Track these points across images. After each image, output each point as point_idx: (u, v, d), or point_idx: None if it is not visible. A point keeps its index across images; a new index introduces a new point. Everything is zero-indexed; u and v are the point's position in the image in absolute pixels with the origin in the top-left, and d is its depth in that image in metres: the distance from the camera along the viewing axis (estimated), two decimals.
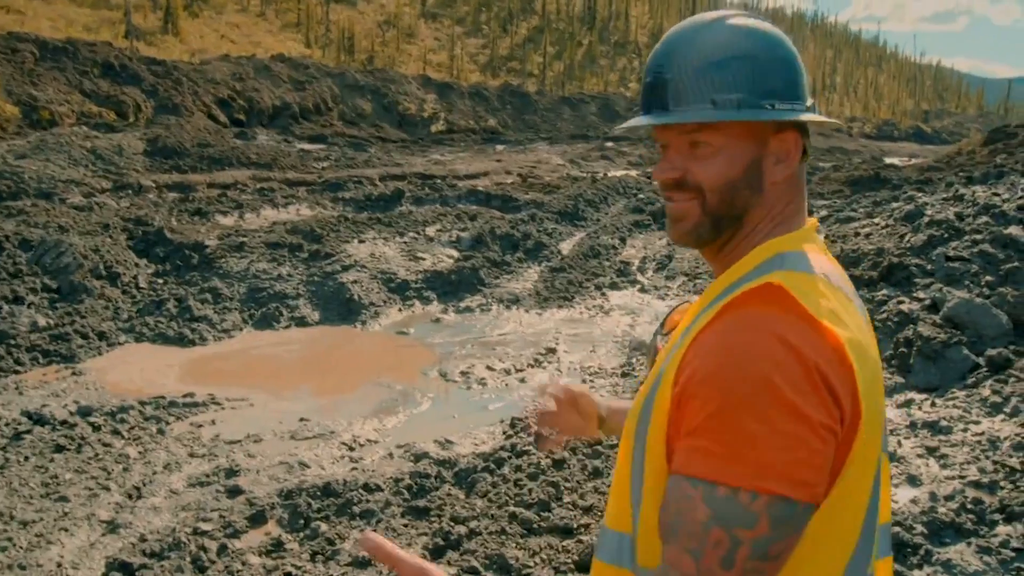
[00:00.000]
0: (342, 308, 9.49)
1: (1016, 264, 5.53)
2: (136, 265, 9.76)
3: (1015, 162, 11.40)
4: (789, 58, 1.18)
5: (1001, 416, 4.28)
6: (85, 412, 6.22)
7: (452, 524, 4.35)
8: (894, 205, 8.20)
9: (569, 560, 3.95)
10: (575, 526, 4.27)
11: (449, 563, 3.97)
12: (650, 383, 1.15)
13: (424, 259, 11.25)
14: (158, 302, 8.97)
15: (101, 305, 8.65)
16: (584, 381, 7.35)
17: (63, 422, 5.98)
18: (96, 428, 5.95)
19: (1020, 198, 6.21)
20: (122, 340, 8.18)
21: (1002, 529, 3.33)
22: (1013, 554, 3.20)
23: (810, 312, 1.01)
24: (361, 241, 11.37)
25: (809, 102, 1.19)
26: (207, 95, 23.39)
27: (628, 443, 1.16)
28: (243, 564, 4.04)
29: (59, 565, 4.18)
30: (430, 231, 12.42)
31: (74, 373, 7.22)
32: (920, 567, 3.19)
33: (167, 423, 6.17)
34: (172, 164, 16.44)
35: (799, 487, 0.96)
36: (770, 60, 1.16)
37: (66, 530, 4.48)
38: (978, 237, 5.91)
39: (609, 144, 29.11)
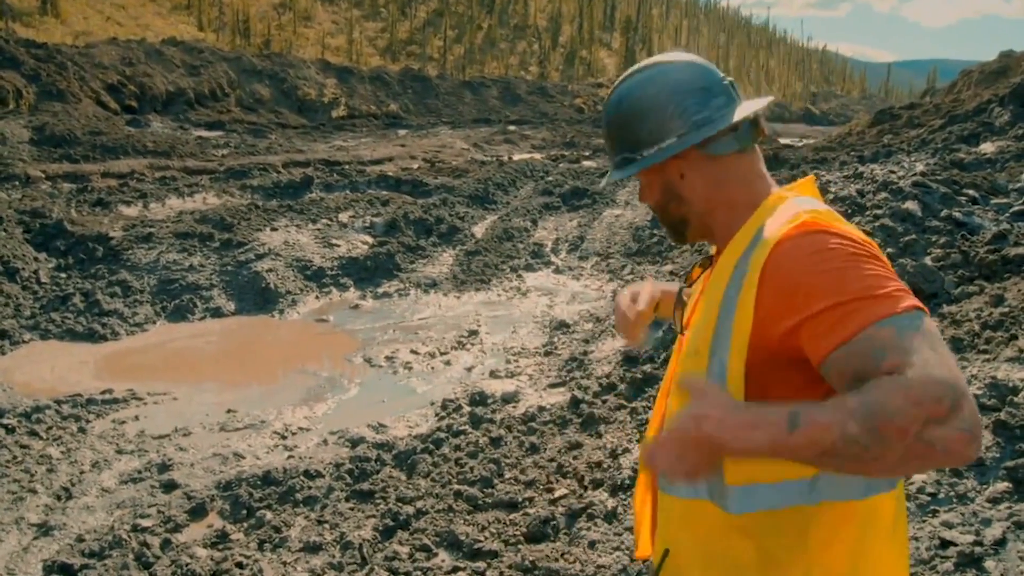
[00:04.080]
0: (258, 297, 9.32)
1: (914, 236, 5.95)
2: (36, 259, 9.30)
3: (900, 141, 12.13)
4: (646, 108, 1.48)
5: None
6: None
7: (399, 505, 4.41)
8: None
9: (518, 532, 4.07)
10: (520, 500, 4.39)
11: (400, 543, 4.03)
12: (711, 316, 1.37)
13: (339, 245, 11.13)
14: (63, 297, 8.60)
15: (0, 302, 8.23)
16: (508, 362, 7.48)
17: None
18: (10, 430, 5.70)
19: (914, 175, 6.67)
20: (27, 338, 7.82)
21: (917, 477, 3.63)
22: (928, 498, 3.50)
23: (844, 227, 1.31)
24: (274, 229, 11.16)
25: (698, 116, 1.46)
26: (95, 80, 22.29)
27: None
28: (190, 557, 3.99)
29: None
30: (343, 217, 12.28)
31: None
32: None
33: (87, 421, 5.97)
34: (62, 153, 15.62)
35: (919, 303, 1.19)
36: (626, 121, 1.51)
37: None
38: (879, 212, 6.31)
39: (511, 127, 29.28)
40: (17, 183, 13.44)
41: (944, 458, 1.08)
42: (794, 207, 1.37)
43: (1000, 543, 3.09)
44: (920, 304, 1.18)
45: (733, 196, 1.47)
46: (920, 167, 8.09)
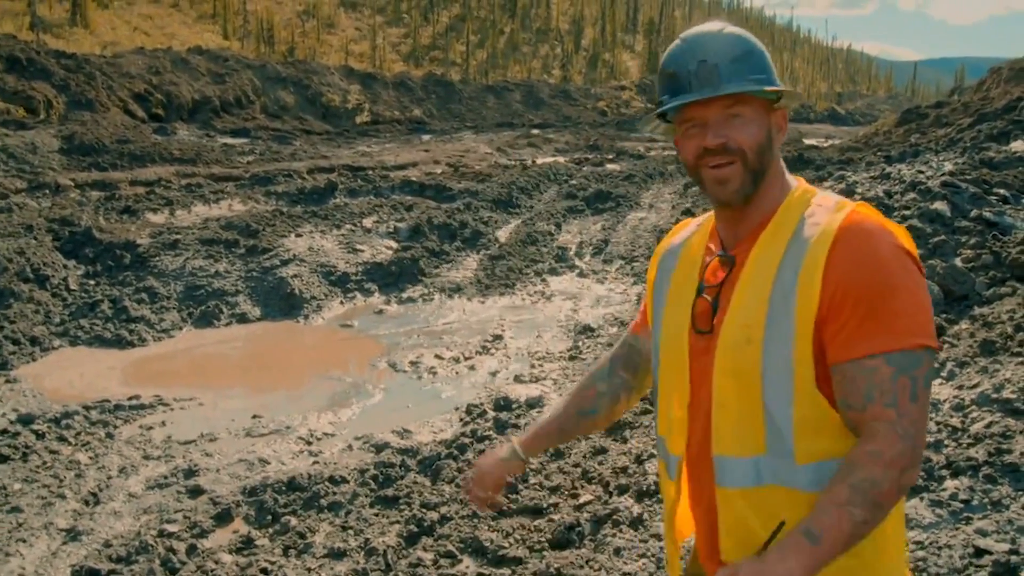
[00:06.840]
0: (283, 303, 9.38)
1: (943, 238, 5.86)
2: (65, 267, 9.42)
3: (928, 141, 11.96)
4: (762, 51, 1.54)
5: (939, 380, 4.54)
6: (26, 420, 6.03)
7: (423, 511, 4.40)
8: (826, 184, 8.52)
9: (542, 538, 4.04)
10: (544, 505, 4.36)
11: (425, 549, 4.02)
12: (762, 305, 1.42)
13: (363, 251, 11.17)
14: (91, 304, 8.70)
15: (31, 309, 8.34)
16: (532, 366, 7.45)
17: (3, 431, 5.78)
18: (40, 436, 5.77)
19: (943, 175, 6.56)
20: (56, 344, 7.92)
21: (950, 483, 3.56)
22: (961, 505, 3.42)
23: (891, 226, 1.40)
24: (298, 235, 11.22)
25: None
26: (122, 89, 22.59)
27: (749, 376, 1.42)
28: (216, 563, 4.00)
29: None
30: (367, 223, 12.33)
31: (8, 381, 6.96)
32: None
33: (115, 427, 6.03)
34: (91, 162, 15.83)
35: (935, 339, 1.34)
36: (757, 50, 1.51)
37: (23, 541, 4.36)
38: (907, 213, 6.22)
39: (535, 131, 29.26)
40: (48, 191, 13.62)
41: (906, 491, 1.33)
42: (831, 196, 1.46)
43: None
44: (931, 342, 1.32)
45: (779, 169, 1.53)
46: (949, 166, 7.96)
